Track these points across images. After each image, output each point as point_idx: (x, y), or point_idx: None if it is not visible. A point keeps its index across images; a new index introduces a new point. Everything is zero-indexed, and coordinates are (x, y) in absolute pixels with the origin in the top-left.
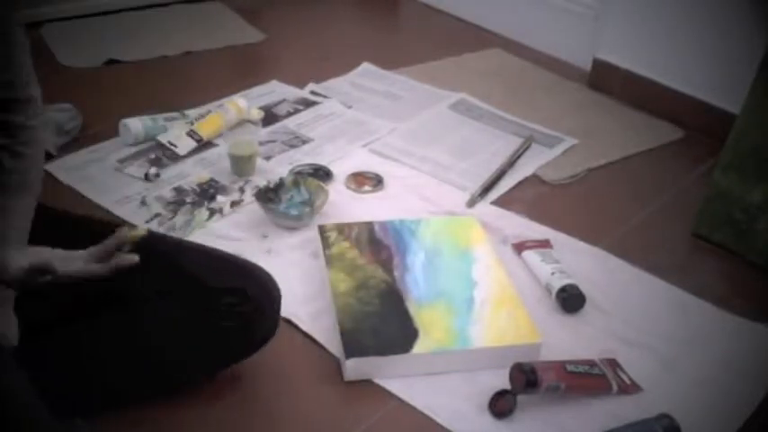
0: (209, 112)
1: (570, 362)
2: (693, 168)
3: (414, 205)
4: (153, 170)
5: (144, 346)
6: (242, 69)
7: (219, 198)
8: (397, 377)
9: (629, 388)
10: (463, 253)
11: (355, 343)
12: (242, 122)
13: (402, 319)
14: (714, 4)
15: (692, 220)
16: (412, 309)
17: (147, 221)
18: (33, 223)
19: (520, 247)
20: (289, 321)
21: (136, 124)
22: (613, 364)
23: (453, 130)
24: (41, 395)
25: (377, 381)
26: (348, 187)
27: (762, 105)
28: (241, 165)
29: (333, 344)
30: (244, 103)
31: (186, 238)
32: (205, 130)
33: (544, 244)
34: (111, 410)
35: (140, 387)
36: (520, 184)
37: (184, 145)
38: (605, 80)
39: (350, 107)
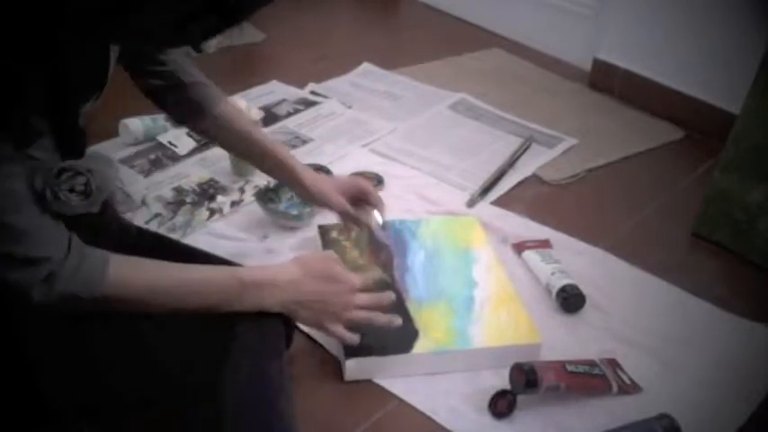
0: None
1: (570, 362)
2: (693, 168)
3: (414, 205)
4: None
5: (150, 348)
6: (242, 69)
7: (219, 198)
8: (397, 377)
9: (629, 388)
10: (463, 253)
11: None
12: None
13: (402, 319)
14: (714, 3)
15: (692, 220)
16: (412, 309)
17: (146, 221)
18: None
19: (520, 247)
20: None
21: (136, 124)
22: (613, 364)
23: (453, 130)
24: (46, 399)
25: (377, 381)
26: None
27: (762, 105)
28: (241, 165)
29: (333, 344)
30: (244, 103)
31: (186, 239)
32: None
33: (544, 244)
34: (116, 415)
35: (146, 390)
36: (520, 184)
37: (185, 145)
38: (605, 80)
39: (350, 107)
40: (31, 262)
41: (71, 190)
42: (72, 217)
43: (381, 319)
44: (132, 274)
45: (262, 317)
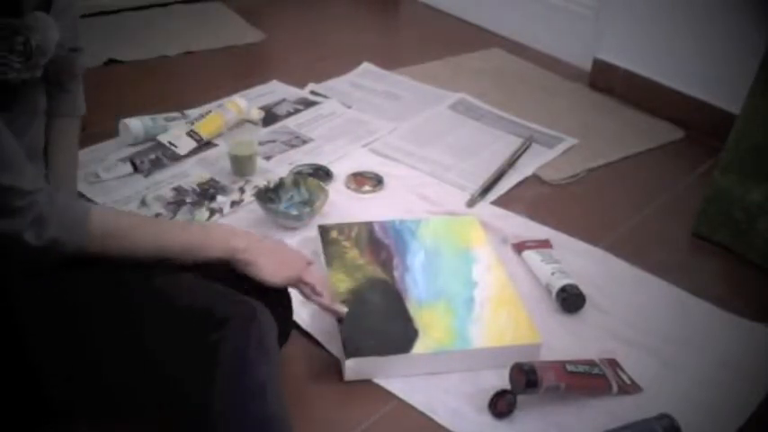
0: (210, 112)
1: (570, 362)
2: (693, 168)
3: (414, 205)
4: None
5: (147, 351)
6: (242, 69)
7: (219, 198)
8: (396, 377)
9: (629, 388)
10: (463, 253)
11: (355, 343)
12: (242, 122)
13: (402, 319)
14: (714, 3)
15: (692, 220)
16: (412, 309)
17: None
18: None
19: (520, 247)
20: None
21: (136, 124)
22: (613, 364)
23: (453, 130)
24: (46, 399)
25: (377, 381)
26: (348, 187)
27: (762, 105)
28: (241, 165)
29: (333, 344)
30: (244, 103)
31: None
32: (205, 129)
33: (544, 244)
34: (111, 415)
35: (142, 390)
36: (520, 184)
37: (184, 145)
38: (605, 80)
39: (350, 107)
40: (22, 195)
41: (10, 50)
42: None
43: (326, 301)
44: (114, 214)
45: (254, 314)
